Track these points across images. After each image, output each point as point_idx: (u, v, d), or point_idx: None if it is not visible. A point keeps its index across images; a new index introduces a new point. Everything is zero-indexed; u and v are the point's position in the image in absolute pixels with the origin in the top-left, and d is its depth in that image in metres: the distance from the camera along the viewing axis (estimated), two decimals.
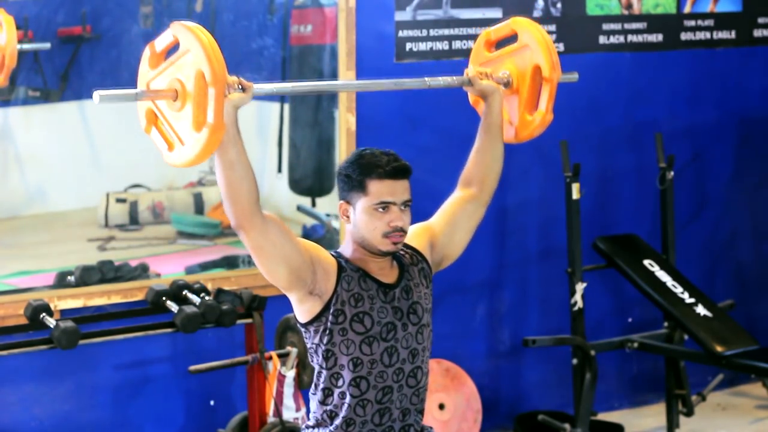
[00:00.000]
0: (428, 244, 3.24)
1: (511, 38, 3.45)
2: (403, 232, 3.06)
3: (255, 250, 2.97)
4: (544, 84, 3.37)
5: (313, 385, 3.12)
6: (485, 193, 3.34)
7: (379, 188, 3.04)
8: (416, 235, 3.22)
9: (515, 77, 3.40)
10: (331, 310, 3.04)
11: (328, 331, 3.04)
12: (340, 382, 3.06)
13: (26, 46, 4.74)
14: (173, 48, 2.93)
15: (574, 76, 3.51)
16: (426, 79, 3.40)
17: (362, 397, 3.06)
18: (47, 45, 4.81)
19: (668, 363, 5.75)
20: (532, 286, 6.04)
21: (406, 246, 3.19)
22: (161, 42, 2.94)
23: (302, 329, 3.10)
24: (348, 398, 3.05)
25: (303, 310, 3.07)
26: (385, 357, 3.06)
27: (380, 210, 3.04)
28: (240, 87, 2.90)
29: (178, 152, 2.92)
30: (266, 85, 3.05)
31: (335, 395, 3.07)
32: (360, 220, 3.06)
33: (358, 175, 3.05)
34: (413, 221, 3.18)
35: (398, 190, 3.05)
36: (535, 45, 3.37)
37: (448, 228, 3.27)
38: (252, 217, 2.93)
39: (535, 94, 3.39)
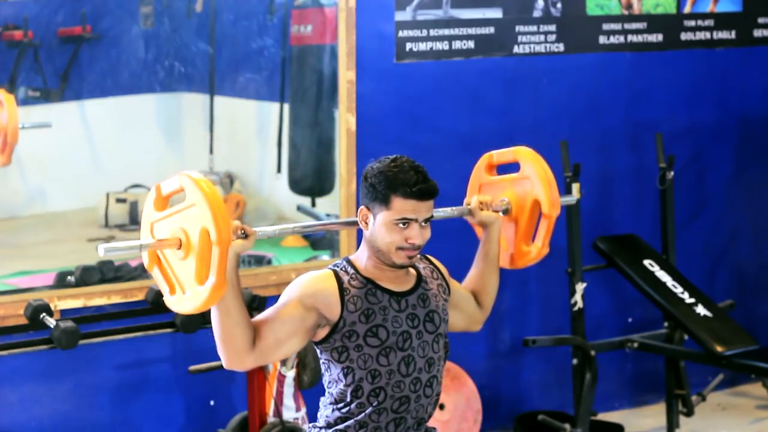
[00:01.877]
0: (449, 278, 3.29)
1: (514, 165, 3.50)
2: (419, 248, 3.06)
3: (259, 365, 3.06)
4: (543, 219, 3.41)
5: (329, 395, 3.11)
6: (484, 309, 3.43)
7: (403, 206, 3.02)
8: (441, 266, 3.27)
9: (514, 206, 3.46)
10: (340, 333, 3.03)
11: (342, 348, 3.03)
12: (359, 394, 3.05)
13: (28, 125, 4.77)
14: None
15: (572, 200, 3.59)
16: None
17: (380, 406, 3.05)
18: (49, 124, 4.85)
19: (668, 363, 5.75)
20: (532, 286, 6.04)
21: (429, 261, 3.22)
22: (167, 186, 2.94)
23: (315, 347, 3.10)
24: (365, 407, 3.05)
25: (314, 333, 3.08)
26: (402, 367, 3.05)
27: (400, 225, 3.03)
28: (243, 233, 2.91)
29: (179, 299, 2.95)
30: (268, 228, 3.08)
31: (353, 405, 3.06)
32: (378, 230, 3.05)
33: (384, 188, 3.02)
34: None
35: (422, 209, 3.04)
36: (536, 180, 3.42)
37: (459, 300, 3.33)
38: (244, 360, 2.97)
39: (533, 225, 3.47)
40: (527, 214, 3.44)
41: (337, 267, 3.10)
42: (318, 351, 3.09)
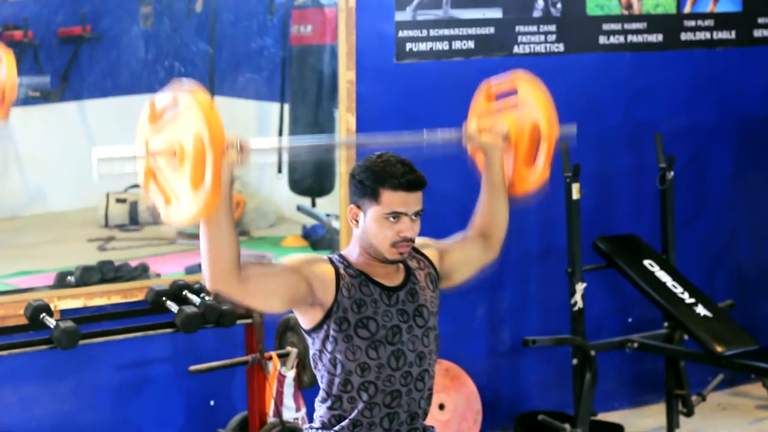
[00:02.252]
0: (438, 258, 3.25)
1: (513, 92, 3.47)
2: (411, 242, 3.06)
3: (240, 301, 2.99)
4: (542, 142, 3.39)
5: (321, 391, 3.11)
6: (495, 242, 3.37)
7: (392, 199, 3.03)
8: (427, 245, 3.24)
9: (514, 132, 3.42)
10: (333, 318, 3.03)
11: (332, 339, 3.04)
12: (348, 387, 3.05)
13: (25, 80, 4.75)
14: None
15: (572, 129, 3.54)
16: (424, 133, 3.44)
17: (371, 401, 3.05)
18: (46, 79, 4.83)
19: (668, 363, 5.75)
20: (532, 286, 6.04)
21: (415, 250, 3.20)
22: (161, 100, 2.95)
23: (306, 335, 3.10)
24: (356, 402, 3.05)
25: (306, 319, 3.07)
26: (392, 361, 3.06)
27: (391, 219, 3.03)
28: (239, 147, 2.91)
29: (175, 209, 2.93)
30: (265, 142, 3.08)
31: (343, 400, 3.07)
32: (369, 227, 3.05)
33: (372, 182, 3.03)
34: None
35: (411, 201, 3.04)
36: (534, 103, 3.39)
37: (460, 257, 3.29)
38: (230, 279, 2.91)
39: (533, 150, 3.42)
40: (527, 138, 3.39)
41: (332, 258, 3.11)
42: (309, 342, 3.09)
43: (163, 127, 2.94)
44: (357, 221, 3.08)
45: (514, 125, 3.41)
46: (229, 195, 2.90)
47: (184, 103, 2.88)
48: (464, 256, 3.30)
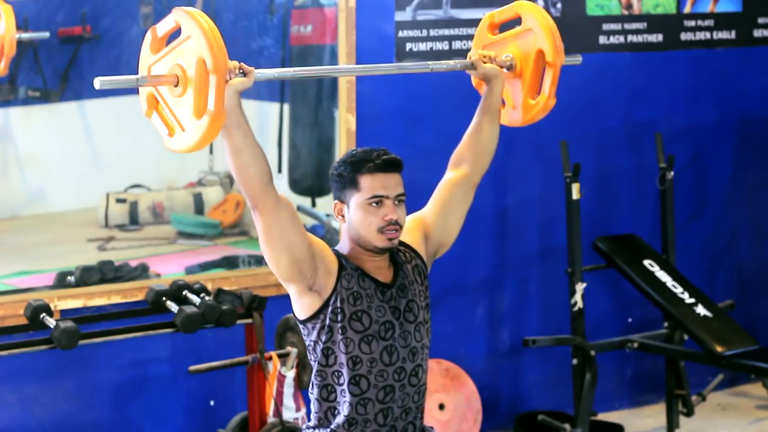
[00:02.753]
0: (422, 237, 3.24)
1: (515, 21, 3.44)
2: (398, 225, 3.06)
3: (264, 233, 2.97)
4: (548, 68, 3.37)
5: (312, 384, 3.13)
6: (476, 173, 3.34)
7: (371, 182, 3.04)
8: (409, 231, 3.22)
9: (518, 61, 3.40)
10: (330, 308, 3.04)
11: (327, 329, 3.05)
12: (340, 380, 3.07)
13: (25, 36, 4.73)
14: (178, 32, 2.92)
15: (577, 59, 3.52)
16: (429, 63, 3.43)
17: (363, 396, 3.06)
18: (46, 34, 4.81)
19: (668, 363, 5.75)
20: (532, 286, 6.04)
21: (400, 243, 3.19)
22: (163, 27, 2.93)
23: (301, 326, 3.10)
24: (348, 396, 3.05)
25: (302, 306, 3.07)
26: (385, 356, 3.06)
27: (374, 205, 3.04)
28: (241, 72, 2.90)
29: (179, 138, 2.91)
30: (267, 70, 3.04)
31: (336, 393, 3.08)
32: (354, 217, 3.06)
33: (350, 171, 3.06)
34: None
35: (390, 183, 3.06)
36: (539, 29, 3.37)
37: (441, 216, 3.27)
38: (264, 198, 2.93)
39: (538, 78, 3.40)
40: (531, 66, 3.38)
41: (335, 249, 3.14)
42: (305, 334, 3.09)
43: (166, 55, 2.91)
44: (343, 216, 3.10)
45: (518, 54, 3.40)
46: (241, 118, 2.88)
47: (186, 28, 2.85)
48: (446, 210, 3.28)
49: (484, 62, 3.35)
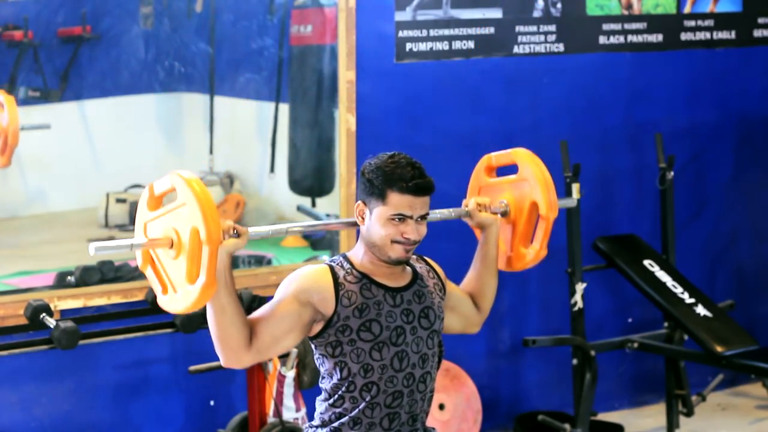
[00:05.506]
0: (444, 280, 3.28)
1: (513, 167, 3.50)
2: (414, 244, 3.07)
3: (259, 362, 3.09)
4: (540, 221, 3.42)
5: (324, 391, 3.12)
6: (482, 311, 3.44)
7: (399, 201, 3.04)
8: (439, 268, 3.27)
9: (512, 208, 3.47)
10: (334, 327, 3.04)
11: (336, 343, 3.04)
12: (351, 388, 3.06)
13: (27, 126, 4.77)
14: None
15: (572, 203, 3.59)
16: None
17: (372, 401, 3.06)
18: (48, 125, 4.85)
19: (668, 363, 5.75)
20: (532, 286, 6.04)
21: (425, 262, 3.23)
22: (160, 186, 2.96)
23: (310, 341, 3.11)
24: (358, 402, 3.06)
25: (310, 329, 3.09)
26: (396, 362, 3.06)
27: (396, 220, 3.04)
28: (235, 233, 2.92)
29: (171, 299, 2.95)
30: (261, 228, 3.09)
31: (347, 399, 3.07)
32: (374, 225, 3.06)
33: (381, 183, 3.04)
34: None
35: (418, 205, 3.05)
36: (534, 182, 3.43)
37: (455, 301, 3.33)
38: (241, 358, 2.98)
39: (531, 227, 3.47)
40: (525, 216, 3.45)
41: (334, 262, 3.12)
42: (312, 346, 3.10)
43: (162, 215, 2.94)
44: (363, 218, 3.09)
45: (513, 201, 3.45)
46: (230, 280, 2.93)
47: (181, 195, 2.88)
48: (458, 303, 3.35)
49: (480, 211, 3.39)
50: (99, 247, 2.90)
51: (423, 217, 3.07)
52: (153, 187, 2.97)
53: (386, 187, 3.03)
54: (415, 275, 3.16)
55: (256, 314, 3.02)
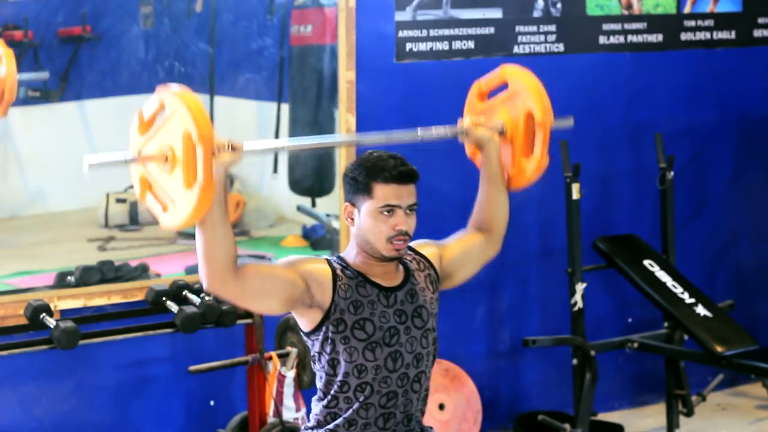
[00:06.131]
0: (437, 260, 3.24)
1: (504, 87, 3.45)
2: (407, 236, 3.06)
3: (237, 302, 3.02)
4: (537, 129, 3.37)
5: (319, 391, 3.12)
6: (496, 237, 3.34)
7: (385, 192, 3.03)
8: (427, 245, 3.24)
9: (509, 125, 3.40)
10: (331, 319, 3.03)
11: (330, 341, 3.04)
12: (345, 388, 3.06)
13: (25, 76, 4.75)
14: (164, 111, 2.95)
15: (569, 122, 3.53)
16: (419, 131, 3.41)
17: (366, 402, 3.06)
18: (45, 74, 4.83)
19: (668, 363, 5.75)
20: (532, 286, 6.04)
21: (415, 252, 3.20)
22: (148, 109, 2.97)
23: (305, 338, 3.10)
24: (352, 402, 3.05)
25: (305, 321, 3.08)
26: (389, 362, 3.06)
27: (385, 213, 3.04)
28: (230, 147, 2.91)
29: (172, 213, 2.93)
30: (257, 143, 3.08)
31: (341, 400, 3.07)
32: (364, 223, 3.05)
33: (365, 177, 3.04)
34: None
35: (404, 194, 3.05)
36: (526, 91, 3.37)
37: (460, 255, 3.27)
38: (226, 280, 2.92)
39: (530, 140, 3.39)
40: (522, 129, 3.37)
41: (330, 259, 3.12)
42: (309, 345, 3.10)
43: (154, 135, 2.95)
44: (352, 219, 3.09)
45: (508, 118, 3.40)
46: (224, 196, 2.91)
47: (170, 105, 2.89)
48: (465, 254, 3.29)
49: (476, 128, 3.35)
50: (94, 161, 2.88)
51: (412, 208, 3.06)
52: (141, 111, 2.98)
53: (370, 181, 3.04)
54: (407, 273, 3.15)
55: (255, 263, 3.02)
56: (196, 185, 2.84)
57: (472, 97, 3.50)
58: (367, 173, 3.04)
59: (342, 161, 5.35)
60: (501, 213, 3.35)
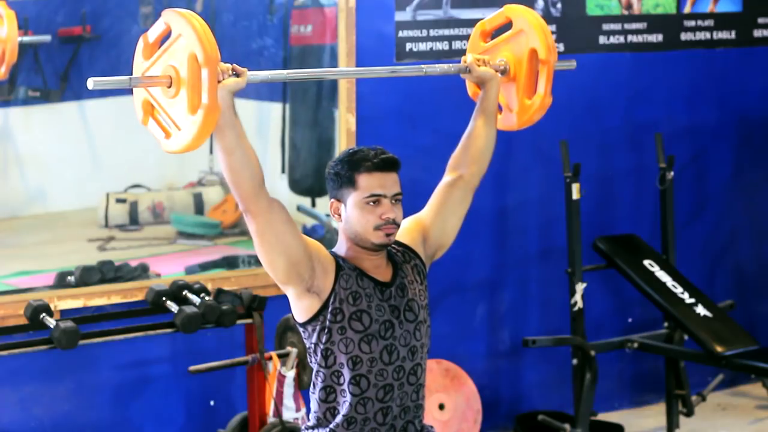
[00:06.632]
0: (420, 239, 3.25)
1: (507, 27, 3.45)
2: (395, 224, 3.07)
3: (258, 236, 2.98)
4: (541, 67, 3.37)
5: (312, 385, 3.14)
6: (475, 176, 3.35)
7: (369, 181, 3.05)
8: (407, 231, 3.23)
9: (512, 64, 3.40)
10: (330, 309, 3.04)
11: (326, 330, 3.05)
12: (340, 380, 3.07)
13: (26, 39, 4.74)
14: (168, 36, 2.93)
15: (572, 64, 3.52)
16: (423, 67, 3.40)
17: (363, 396, 3.06)
18: (47, 38, 4.81)
19: (668, 363, 5.75)
20: (532, 286, 6.04)
21: (398, 243, 3.20)
22: (154, 32, 2.94)
23: (301, 329, 3.10)
24: (348, 396, 3.06)
25: (301, 308, 3.07)
26: (385, 355, 3.07)
27: (371, 203, 3.05)
28: (234, 73, 2.90)
29: (175, 138, 2.91)
30: (261, 72, 3.05)
31: (336, 393, 3.08)
32: (351, 215, 3.07)
33: (347, 170, 3.06)
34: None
35: (388, 182, 3.06)
36: (530, 29, 3.37)
37: (440, 218, 3.27)
38: (256, 201, 2.94)
39: (533, 78, 3.39)
40: (525, 66, 3.38)
41: (332, 251, 3.14)
42: (305, 336, 3.10)
43: (158, 59, 2.92)
44: (339, 215, 3.10)
45: (511, 57, 3.40)
46: (234, 118, 2.88)
47: (176, 27, 2.86)
48: (446, 208, 3.29)
49: (479, 65, 3.35)
50: (97, 81, 2.87)
51: (397, 198, 3.07)
52: (146, 35, 2.96)
53: (353, 172, 3.05)
54: (396, 268, 3.16)
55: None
56: (200, 109, 2.81)
57: (475, 36, 3.50)
58: (350, 166, 3.06)
59: None
60: (487, 149, 3.37)
